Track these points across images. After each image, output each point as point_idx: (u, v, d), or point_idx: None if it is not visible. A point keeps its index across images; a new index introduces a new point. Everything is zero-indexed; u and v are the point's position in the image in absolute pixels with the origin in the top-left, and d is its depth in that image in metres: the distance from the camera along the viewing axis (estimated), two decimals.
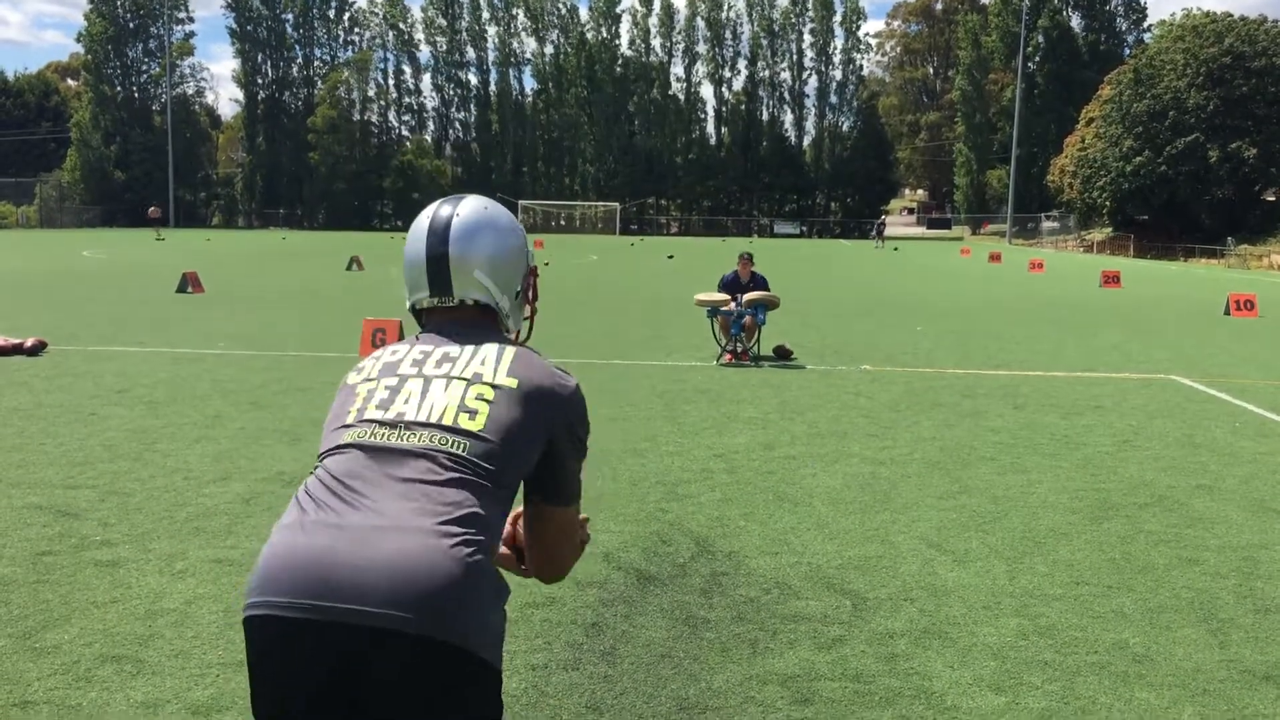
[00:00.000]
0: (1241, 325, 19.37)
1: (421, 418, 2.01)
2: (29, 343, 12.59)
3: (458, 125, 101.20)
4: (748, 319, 13.23)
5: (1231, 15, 60.05)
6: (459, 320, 2.21)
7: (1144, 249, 56.98)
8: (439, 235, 2.19)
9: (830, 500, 6.70)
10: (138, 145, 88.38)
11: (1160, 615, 4.81)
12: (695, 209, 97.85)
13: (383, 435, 2.00)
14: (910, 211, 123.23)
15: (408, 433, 1.99)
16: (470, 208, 2.24)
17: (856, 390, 11.06)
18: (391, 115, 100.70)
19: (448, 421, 2.00)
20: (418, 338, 2.22)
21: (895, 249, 52.24)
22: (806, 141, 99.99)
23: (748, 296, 13.32)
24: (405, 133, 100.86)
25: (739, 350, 13.15)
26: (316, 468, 2.07)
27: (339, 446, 2.04)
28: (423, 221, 2.24)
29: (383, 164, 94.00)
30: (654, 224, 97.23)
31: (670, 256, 43.88)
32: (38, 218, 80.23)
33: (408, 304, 2.30)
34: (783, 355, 13.41)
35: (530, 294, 2.38)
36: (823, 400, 10.42)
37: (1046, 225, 77.76)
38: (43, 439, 8.02)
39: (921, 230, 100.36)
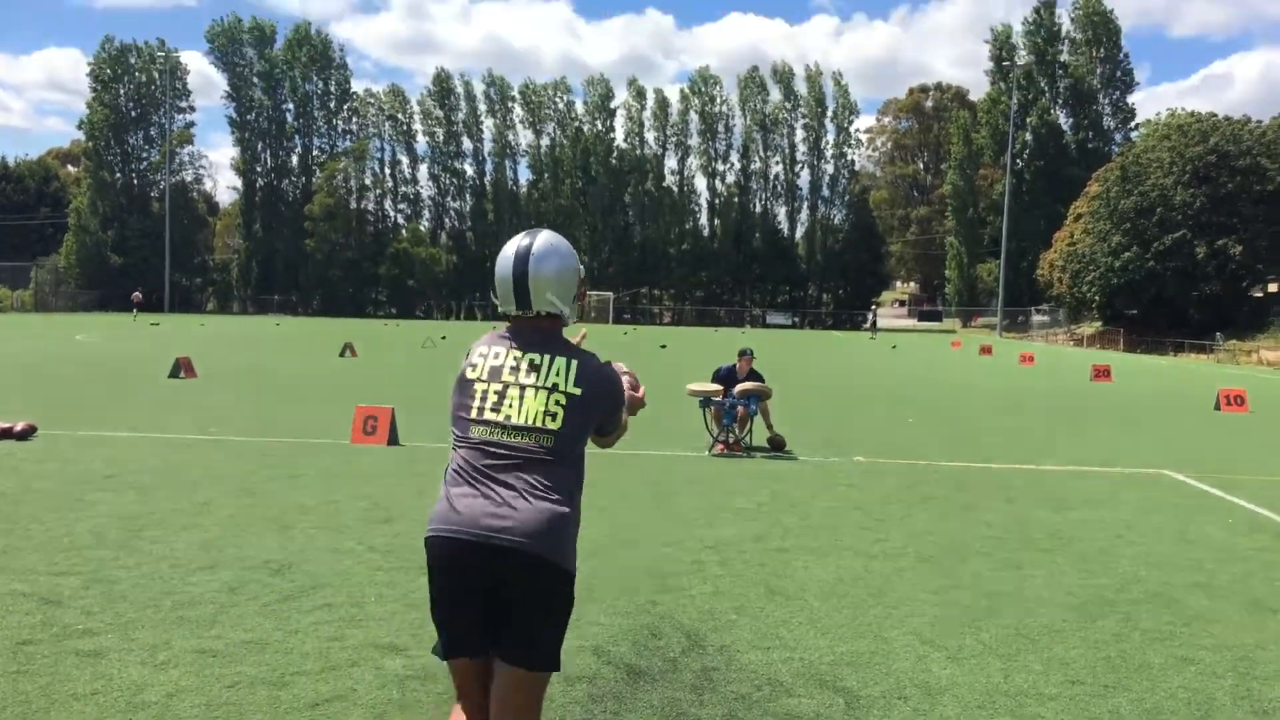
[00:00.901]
0: (1232, 420, 19.42)
1: (521, 422, 3.09)
2: (19, 427, 12.54)
3: (453, 214, 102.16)
4: (740, 409, 13.25)
5: (1216, 115, 61.21)
6: (537, 327, 3.23)
7: (1134, 343, 57.31)
8: (521, 259, 3.20)
9: (822, 594, 6.64)
10: (135, 231, 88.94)
11: (1157, 716, 4.75)
12: (688, 299, 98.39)
13: (498, 435, 3.10)
14: (902, 304, 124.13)
15: (514, 436, 3.09)
16: (541, 240, 3.24)
17: (849, 482, 11.03)
18: (388, 203, 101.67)
19: (538, 425, 3.10)
20: (510, 341, 3.21)
21: (894, 347, 52.37)
22: (799, 233, 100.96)
23: (740, 387, 13.35)
24: (401, 221, 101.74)
25: (731, 440, 13.14)
26: (456, 448, 3.18)
27: (469, 440, 3.14)
28: (509, 249, 3.24)
29: (378, 251, 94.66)
30: (647, 313, 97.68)
31: (663, 346, 44.03)
32: (32, 301, 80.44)
33: (499, 310, 3.26)
34: (776, 446, 13.39)
35: (583, 293, 3.38)
36: (815, 491, 10.38)
37: (1037, 319, 78.27)
38: (29, 524, 7.95)
39: (913, 322, 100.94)
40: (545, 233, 3.26)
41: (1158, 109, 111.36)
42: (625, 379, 3.47)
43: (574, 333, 3.49)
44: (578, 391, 3.12)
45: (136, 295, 69.15)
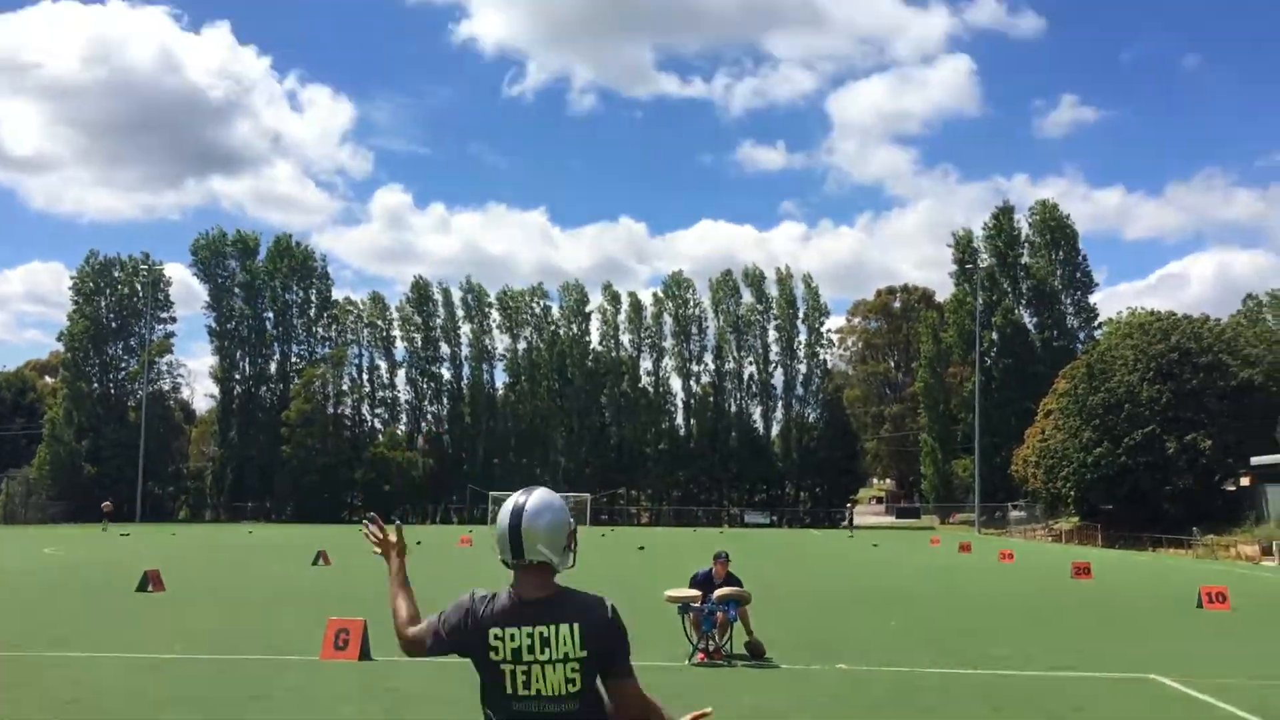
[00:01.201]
0: (1215, 619, 19.24)
1: (549, 693, 3.46)
2: None
3: (430, 417, 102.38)
4: (719, 615, 13.05)
5: (1175, 314, 62.97)
6: (534, 581, 3.55)
7: (1112, 538, 57.15)
8: (517, 514, 3.55)
9: None
10: (110, 441, 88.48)
11: None
12: (666, 499, 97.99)
13: (532, 707, 3.47)
14: (879, 501, 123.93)
15: (545, 706, 3.47)
16: (535, 498, 3.61)
17: (833, 692, 10.79)
18: (365, 408, 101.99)
19: (562, 694, 3.46)
20: (518, 618, 3.49)
21: (875, 545, 51.98)
22: (774, 432, 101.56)
23: (719, 592, 13.20)
24: (378, 425, 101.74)
25: (711, 648, 12.90)
26: (495, 717, 3.52)
27: (506, 713, 3.50)
28: (507, 505, 3.60)
29: (354, 456, 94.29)
30: (625, 514, 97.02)
31: (641, 548, 43.59)
32: (1, 513, 79.30)
33: (499, 559, 3.58)
34: (756, 654, 13.14)
35: (573, 543, 3.71)
36: (799, 704, 10.15)
37: (1014, 514, 78.20)
38: None
39: (891, 520, 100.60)
40: (539, 491, 3.67)
41: (1119, 308, 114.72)
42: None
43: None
44: (585, 654, 3.48)
45: (106, 505, 68.79)
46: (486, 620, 3.54)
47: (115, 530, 59.57)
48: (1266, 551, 44.78)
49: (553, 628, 3.50)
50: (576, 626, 3.50)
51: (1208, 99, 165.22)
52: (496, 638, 3.52)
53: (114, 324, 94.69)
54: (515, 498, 3.65)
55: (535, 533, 3.55)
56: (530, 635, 3.50)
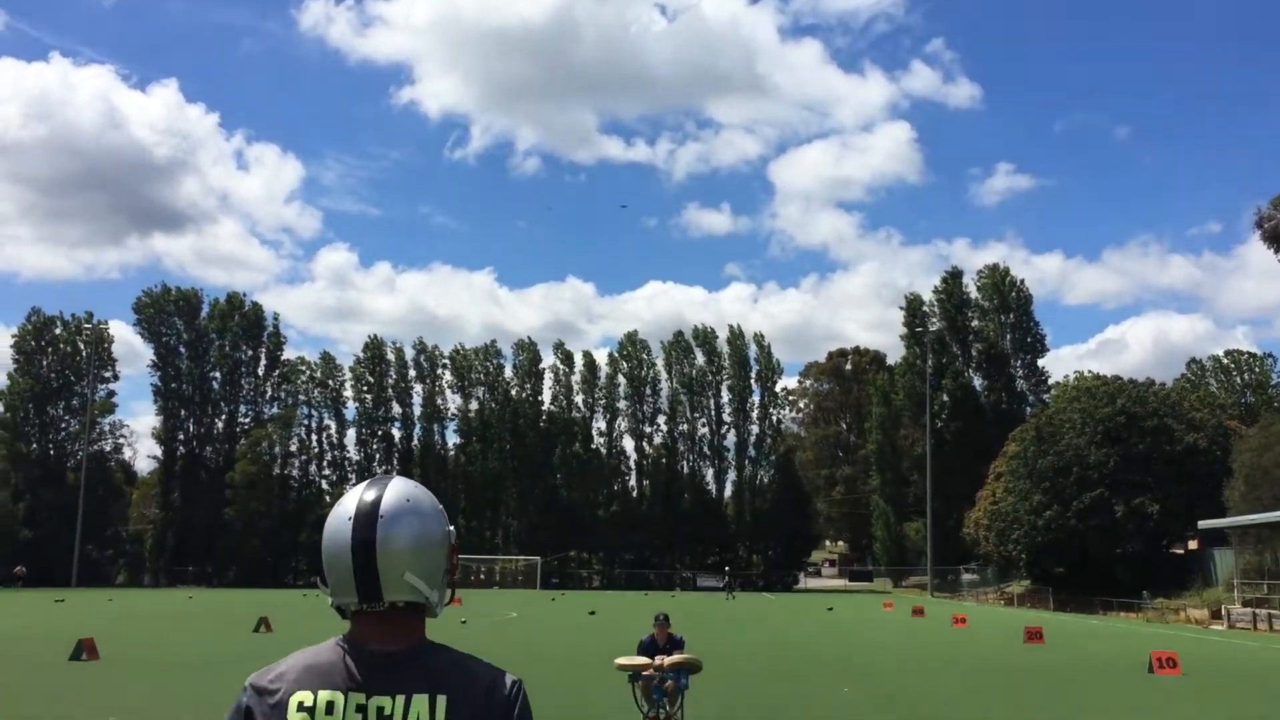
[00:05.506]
0: (1166, 684, 19.18)
1: None
2: None
3: None
4: (669, 684, 12.76)
5: (1121, 378, 63.88)
6: (388, 630, 2.15)
7: (1063, 602, 57.32)
8: (364, 522, 2.14)
9: None
10: (46, 503, 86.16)
11: None
12: (618, 562, 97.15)
13: None
14: (832, 563, 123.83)
15: None
16: (394, 494, 2.19)
17: None
18: (312, 469, 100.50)
19: None
20: (346, 675, 2.12)
21: (830, 609, 51.62)
22: (727, 494, 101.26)
23: (669, 660, 12.92)
24: (325, 486, 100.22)
25: (662, 717, 12.60)
26: None
27: None
28: (343, 508, 2.18)
29: (300, 519, 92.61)
30: (576, 577, 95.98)
31: (592, 613, 43.06)
32: None
33: (331, 603, 2.20)
34: None
35: (454, 569, 2.30)
36: None
37: (966, 577, 78.36)
38: None
39: (844, 583, 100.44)
40: (398, 481, 2.26)
41: (1064, 371, 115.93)
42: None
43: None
44: None
45: (19, 569, 67.13)
46: (290, 687, 2.14)
47: (34, 595, 57.96)
48: (1215, 615, 45.09)
49: (400, 700, 2.09)
50: (442, 700, 2.10)
51: (1138, 169, 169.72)
52: (303, 707, 2.10)
53: (55, 383, 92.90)
54: (358, 494, 2.22)
55: (397, 551, 2.14)
56: (361, 705, 2.09)
